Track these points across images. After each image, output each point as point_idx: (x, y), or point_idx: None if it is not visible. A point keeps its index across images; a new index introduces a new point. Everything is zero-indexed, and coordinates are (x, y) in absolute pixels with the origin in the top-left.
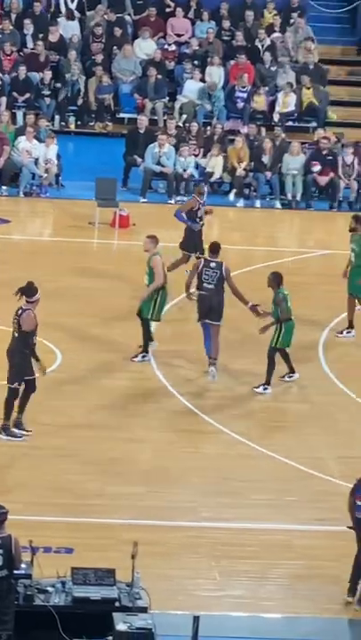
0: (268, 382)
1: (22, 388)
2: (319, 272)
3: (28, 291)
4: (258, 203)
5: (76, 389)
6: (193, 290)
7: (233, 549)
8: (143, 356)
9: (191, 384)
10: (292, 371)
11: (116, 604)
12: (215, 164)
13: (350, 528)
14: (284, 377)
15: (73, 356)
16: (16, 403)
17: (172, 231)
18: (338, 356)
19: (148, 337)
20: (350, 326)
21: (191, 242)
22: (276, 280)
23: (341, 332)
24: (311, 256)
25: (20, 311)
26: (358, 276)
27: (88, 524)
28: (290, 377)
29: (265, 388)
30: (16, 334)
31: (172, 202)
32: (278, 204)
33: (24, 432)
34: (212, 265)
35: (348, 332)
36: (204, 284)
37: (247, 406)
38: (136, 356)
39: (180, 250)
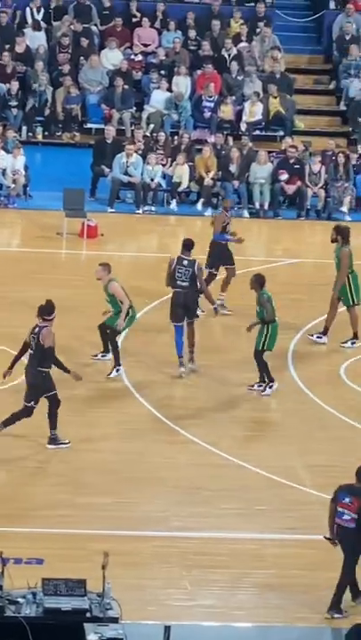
0: (271, 380)
1: (39, 404)
2: (287, 281)
3: (46, 309)
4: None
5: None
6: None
7: (204, 559)
8: (117, 370)
9: (162, 394)
10: (262, 380)
11: (88, 614)
12: (181, 174)
13: (327, 539)
14: (253, 386)
15: None
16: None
17: (142, 242)
18: (307, 365)
19: (116, 350)
20: (355, 337)
21: (218, 256)
22: (258, 282)
23: (346, 342)
24: (279, 265)
25: (37, 329)
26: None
27: (59, 534)
28: (259, 386)
29: (270, 387)
30: (32, 352)
31: (140, 212)
32: (246, 213)
33: (62, 445)
34: (185, 263)
35: (352, 343)
36: (178, 282)
37: (218, 416)
38: (110, 373)
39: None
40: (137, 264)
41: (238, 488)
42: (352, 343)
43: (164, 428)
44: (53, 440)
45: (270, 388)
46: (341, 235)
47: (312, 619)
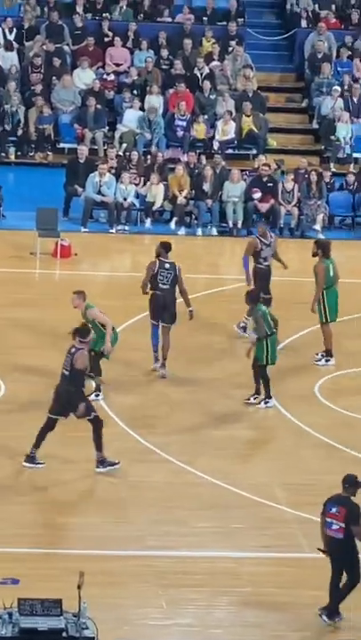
0: (269, 396)
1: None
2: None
3: (83, 332)
4: (199, 231)
5: (21, 420)
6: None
7: (180, 577)
8: (97, 395)
9: (136, 413)
10: (257, 392)
11: (64, 634)
12: (156, 193)
13: (321, 551)
14: (249, 399)
15: (16, 387)
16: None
17: (115, 261)
18: (282, 383)
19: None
20: (328, 354)
21: (260, 285)
22: (252, 298)
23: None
24: None
25: (73, 349)
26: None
27: (35, 554)
28: (255, 398)
29: (266, 402)
30: (66, 372)
31: (113, 231)
32: (215, 231)
33: (112, 466)
34: (167, 266)
35: (326, 361)
36: (160, 285)
37: (193, 434)
38: (89, 395)
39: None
40: (110, 283)
41: (214, 506)
42: (326, 361)
43: (139, 447)
44: (101, 463)
45: (266, 403)
46: (322, 248)
47: (289, 636)
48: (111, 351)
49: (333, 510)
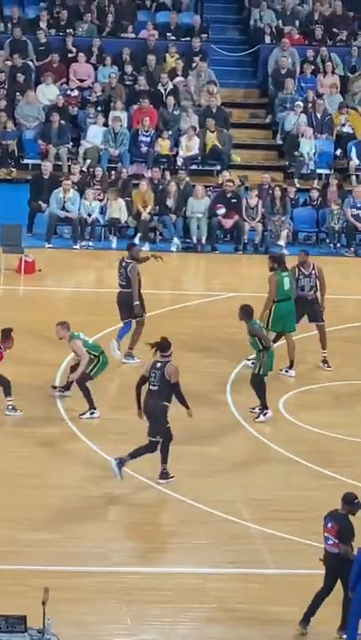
0: (265, 406)
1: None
2: (225, 315)
3: (164, 346)
4: (163, 246)
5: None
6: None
7: (145, 594)
8: (92, 413)
9: (101, 429)
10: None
11: None
12: (118, 208)
13: (321, 561)
14: (254, 408)
15: None
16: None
17: (79, 277)
18: (246, 398)
19: (89, 396)
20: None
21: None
22: (246, 313)
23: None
24: (217, 299)
25: (158, 364)
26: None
27: None
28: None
29: (265, 414)
30: (155, 388)
31: (77, 247)
32: (178, 247)
33: (170, 480)
34: (124, 264)
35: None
36: (119, 282)
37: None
38: (84, 413)
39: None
40: (75, 299)
41: (178, 522)
42: (285, 372)
43: (103, 463)
44: (165, 475)
45: (265, 414)
46: (277, 262)
47: None
48: (94, 374)
49: (329, 525)
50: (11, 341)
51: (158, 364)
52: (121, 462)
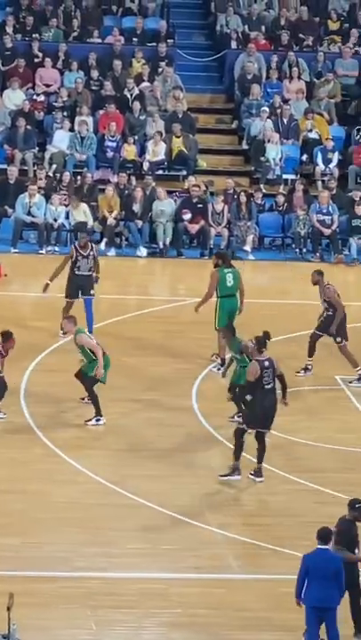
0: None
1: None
2: (191, 320)
3: (264, 341)
4: (129, 251)
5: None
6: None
7: (109, 599)
8: (97, 420)
9: (66, 434)
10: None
11: None
12: (82, 213)
13: None
14: (233, 417)
15: None
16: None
17: (45, 282)
18: (211, 403)
19: (95, 400)
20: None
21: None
22: (229, 329)
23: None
24: (183, 304)
25: (266, 363)
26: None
27: None
28: (239, 416)
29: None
30: (270, 386)
31: (43, 252)
32: (144, 252)
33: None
34: (85, 253)
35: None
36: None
37: (122, 455)
38: (90, 420)
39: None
40: (41, 304)
41: (143, 528)
42: (217, 369)
43: (68, 468)
44: (257, 473)
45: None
46: (222, 259)
47: None
48: (101, 375)
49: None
50: (12, 342)
51: (266, 363)
52: (256, 474)
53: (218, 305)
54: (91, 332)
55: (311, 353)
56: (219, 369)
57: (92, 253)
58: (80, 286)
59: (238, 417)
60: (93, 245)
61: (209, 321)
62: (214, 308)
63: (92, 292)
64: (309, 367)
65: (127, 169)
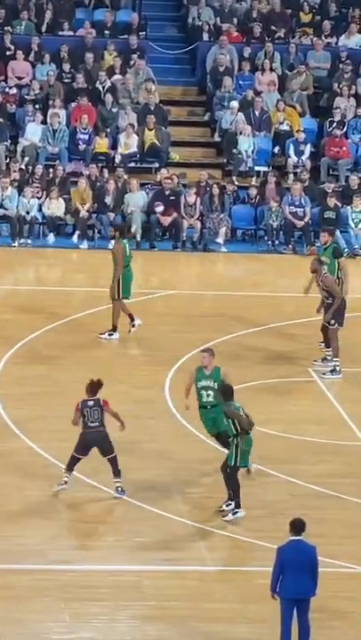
0: (238, 505)
1: None
2: (163, 312)
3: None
4: (101, 244)
5: None
6: None
7: (83, 591)
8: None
9: (39, 427)
10: (230, 499)
11: None
12: (57, 207)
13: None
14: (221, 507)
15: None
16: None
17: (18, 274)
18: (183, 396)
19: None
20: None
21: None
22: (225, 394)
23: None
24: (155, 296)
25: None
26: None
27: None
28: (228, 505)
29: (235, 513)
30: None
31: (16, 244)
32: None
33: None
34: None
35: (110, 335)
36: None
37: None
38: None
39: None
40: (13, 296)
41: (116, 520)
42: (109, 335)
43: (42, 461)
44: None
45: (235, 514)
46: (119, 231)
47: None
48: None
49: None
50: None
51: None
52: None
53: (122, 276)
54: None
55: (328, 344)
56: (111, 334)
57: None
58: None
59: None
60: None
61: (182, 314)
62: (115, 280)
63: None
64: (328, 357)
65: (99, 161)
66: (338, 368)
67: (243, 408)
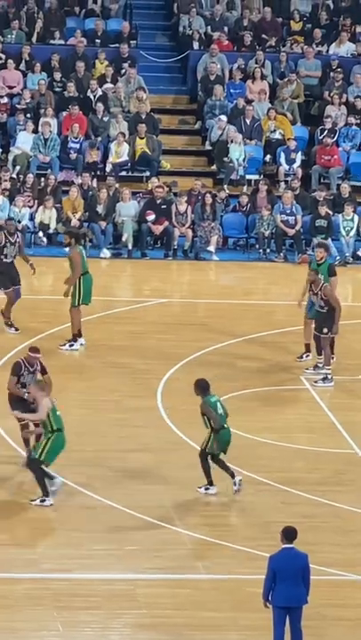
0: (210, 483)
1: None
2: (155, 321)
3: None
4: (93, 252)
5: None
6: None
7: (75, 600)
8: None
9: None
10: (232, 475)
11: None
12: (50, 216)
13: None
14: (201, 487)
15: None
16: None
17: None
18: (177, 404)
19: None
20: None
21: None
22: (201, 388)
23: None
24: (147, 305)
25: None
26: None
27: None
28: (206, 489)
29: (207, 489)
30: None
31: None
32: (108, 253)
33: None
34: (12, 239)
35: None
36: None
37: (87, 456)
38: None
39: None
40: (3, 304)
41: (109, 529)
42: (70, 346)
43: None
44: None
45: (207, 489)
46: (75, 237)
47: None
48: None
49: None
50: None
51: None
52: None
53: (82, 282)
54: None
55: (320, 351)
56: (71, 345)
57: (17, 240)
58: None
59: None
60: (19, 233)
61: (174, 322)
62: (75, 287)
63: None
64: (320, 365)
65: (90, 170)
66: (330, 376)
67: (220, 401)
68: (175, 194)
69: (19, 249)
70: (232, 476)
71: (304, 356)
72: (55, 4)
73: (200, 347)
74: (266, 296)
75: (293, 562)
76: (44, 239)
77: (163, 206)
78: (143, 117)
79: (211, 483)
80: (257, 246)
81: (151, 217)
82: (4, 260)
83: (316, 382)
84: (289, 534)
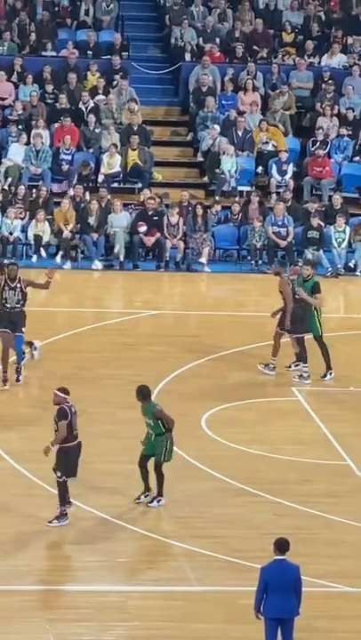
0: (160, 494)
1: None
2: (147, 332)
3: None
4: (85, 264)
5: None
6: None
7: (68, 612)
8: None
9: (21, 447)
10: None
11: None
12: (43, 229)
13: None
14: (138, 497)
15: None
16: None
17: None
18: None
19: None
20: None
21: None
22: (142, 394)
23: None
24: (139, 316)
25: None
26: None
27: None
28: (145, 496)
29: (158, 501)
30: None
31: None
32: (100, 265)
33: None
34: (12, 285)
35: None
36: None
37: (79, 468)
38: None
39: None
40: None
41: (100, 540)
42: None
43: (24, 481)
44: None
45: (158, 502)
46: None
47: None
48: None
49: None
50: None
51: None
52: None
53: None
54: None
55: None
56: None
57: (19, 286)
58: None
59: None
60: (22, 277)
61: (165, 334)
62: None
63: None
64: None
65: (82, 182)
66: (305, 374)
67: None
68: (167, 205)
69: (24, 297)
70: (147, 489)
71: (293, 365)
72: (47, 15)
73: (192, 358)
74: (258, 308)
75: (285, 573)
76: (35, 256)
77: (155, 218)
78: (135, 129)
79: (161, 494)
80: (249, 258)
81: (143, 228)
82: (6, 305)
83: (294, 377)
84: (282, 546)
